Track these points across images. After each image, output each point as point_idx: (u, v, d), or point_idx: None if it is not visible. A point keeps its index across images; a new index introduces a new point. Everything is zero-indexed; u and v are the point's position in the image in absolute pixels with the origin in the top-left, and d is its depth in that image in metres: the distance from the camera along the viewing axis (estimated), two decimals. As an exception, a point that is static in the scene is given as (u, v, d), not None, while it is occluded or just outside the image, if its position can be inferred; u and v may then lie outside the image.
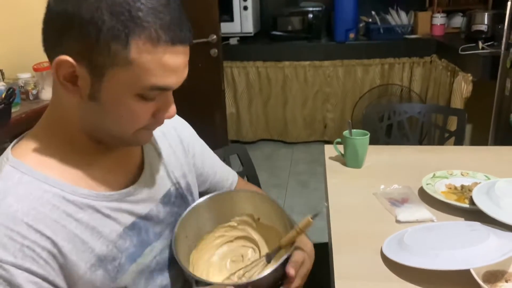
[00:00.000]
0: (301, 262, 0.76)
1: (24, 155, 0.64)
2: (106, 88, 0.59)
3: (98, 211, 0.66)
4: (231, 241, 0.86)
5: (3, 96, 1.85)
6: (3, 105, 1.81)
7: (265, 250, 0.83)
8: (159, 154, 0.80)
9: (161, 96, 0.64)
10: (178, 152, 0.84)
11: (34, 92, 1.82)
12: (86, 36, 0.56)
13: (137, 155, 0.76)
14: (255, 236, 0.85)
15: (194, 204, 0.82)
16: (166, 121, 0.74)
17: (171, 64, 0.59)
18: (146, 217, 0.73)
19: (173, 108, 0.66)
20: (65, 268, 0.61)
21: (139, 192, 0.73)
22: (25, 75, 2.04)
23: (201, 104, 2.76)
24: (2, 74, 2.12)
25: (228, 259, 0.84)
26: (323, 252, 1.11)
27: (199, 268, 0.81)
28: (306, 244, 0.83)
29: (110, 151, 0.71)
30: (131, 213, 0.71)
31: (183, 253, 0.77)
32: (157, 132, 0.79)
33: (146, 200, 0.74)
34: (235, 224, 0.86)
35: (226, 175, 0.99)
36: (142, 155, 0.77)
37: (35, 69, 1.78)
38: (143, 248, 0.72)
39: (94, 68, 0.58)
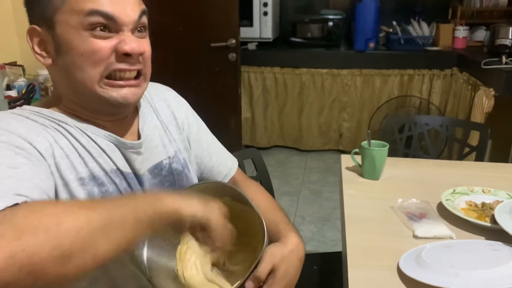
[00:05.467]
0: (267, 273, 0.73)
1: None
2: (61, 35, 0.67)
3: (95, 142, 0.72)
4: None
5: (23, 91, 1.88)
6: (22, 100, 1.84)
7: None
8: (154, 126, 0.84)
9: (118, 32, 0.68)
10: (171, 128, 0.87)
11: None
12: (33, 1, 0.69)
13: (134, 127, 0.81)
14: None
15: None
16: (159, 97, 0.87)
17: None
18: (139, 178, 0.76)
19: (131, 41, 0.69)
20: (58, 169, 0.66)
21: (138, 152, 0.77)
22: (45, 72, 2.06)
23: (217, 107, 2.76)
24: (23, 70, 2.15)
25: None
26: (336, 262, 1.09)
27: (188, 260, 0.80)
28: (286, 243, 0.80)
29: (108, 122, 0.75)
30: (129, 161, 0.75)
31: (162, 261, 0.76)
32: (149, 108, 0.85)
33: (143, 162, 0.78)
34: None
35: (224, 161, 0.98)
36: (138, 129, 0.81)
37: (56, 66, 1.80)
38: None
39: (48, 24, 0.68)
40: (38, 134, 0.66)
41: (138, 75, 0.73)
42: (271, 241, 0.79)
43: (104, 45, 0.67)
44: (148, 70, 0.75)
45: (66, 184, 0.66)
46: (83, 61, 0.67)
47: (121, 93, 0.71)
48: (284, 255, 0.77)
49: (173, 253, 0.80)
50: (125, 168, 0.75)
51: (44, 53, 0.70)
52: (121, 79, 0.70)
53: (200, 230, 0.64)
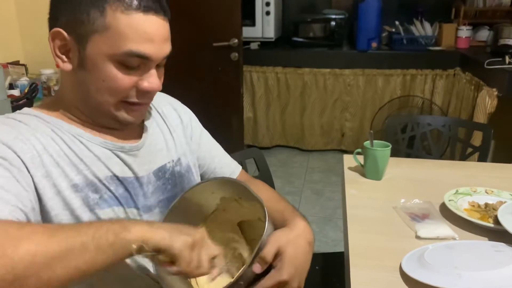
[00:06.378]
0: (272, 254, 0.70)
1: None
2: (90, 55, 0.67)
3: (89, 150, 0.71)
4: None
5: (25, 91, 1.88)
6: (25, 99, 1.84)
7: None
8: (160, 130, 0.84)
9: (143, 67, 0.70)
10: (178, 131, 0.88)
11: (56, 88, 1.84)
12: (70, 8, 0.66)
13: (136, 132, 0.81)
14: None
15: (183, 193, 0.79)
16: (165, 101, 0.88)
17: (146, 31, 0.66)
18: (139, 180, 0.76)
19: (154, 80, 0.71)
20: (50, 177, 0.66)
21: (137, 154, 0.77)
22: (48, 71, 2.07)
23: (219, 106, 2.77)
24: (26, 69, 2.16)
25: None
26: (337, 262, 1.09)
27: None
28: (292, 228, 0.77)
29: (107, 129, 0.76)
30: (127, 165, 0.75)
31: None
32: (155, 112, 0.86)
33: (144, 164, 0.77)
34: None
35: (227, 163, 0.98)
36: (142, 132, 0.81)
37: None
38: (127, 204, 0.73)
39: (79, 37, 0.67)
40: (26, 142, 0.66)
41: None
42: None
43: (128, 79, 0.69)
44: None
45: (58, 192, 0.66)
46: (103, 86, 0.69)
47: (132, 114, 0.74)
48: (290, 238, 0.74)
49: None
50: (123, 173, 0.74)
51: (64, 58, 0.70)
52: (135, 104, 0.73)
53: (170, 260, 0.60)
